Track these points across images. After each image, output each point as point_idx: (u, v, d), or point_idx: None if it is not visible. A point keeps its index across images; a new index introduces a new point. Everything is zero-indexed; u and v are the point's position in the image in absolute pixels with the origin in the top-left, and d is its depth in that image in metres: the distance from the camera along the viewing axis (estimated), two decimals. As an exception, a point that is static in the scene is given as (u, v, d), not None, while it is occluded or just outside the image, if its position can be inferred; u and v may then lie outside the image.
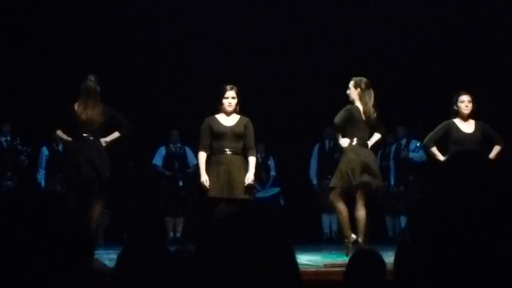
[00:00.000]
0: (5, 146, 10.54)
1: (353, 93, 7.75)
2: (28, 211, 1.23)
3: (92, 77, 7.65)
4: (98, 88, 7.59)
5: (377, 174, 7.67)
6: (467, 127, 7.74)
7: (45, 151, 10.74)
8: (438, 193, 1.36)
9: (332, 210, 11.23)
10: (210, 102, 9.83)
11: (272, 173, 11.65)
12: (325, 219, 11.43)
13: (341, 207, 7.70)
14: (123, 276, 2.57)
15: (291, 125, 11.82)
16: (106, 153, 7.50)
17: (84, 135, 7.34)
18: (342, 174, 7.58)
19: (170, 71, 11.88)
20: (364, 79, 7.82)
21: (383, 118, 11.36)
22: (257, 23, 11.97)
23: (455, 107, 7.81)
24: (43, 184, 10.68)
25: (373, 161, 7.76)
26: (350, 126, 7.64)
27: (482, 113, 11.29)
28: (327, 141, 11.44)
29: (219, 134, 7.11)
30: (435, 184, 1.43)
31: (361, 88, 7.73)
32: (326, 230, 11.43)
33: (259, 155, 11.24)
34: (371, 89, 7.78)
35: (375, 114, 7.71)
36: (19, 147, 10.44)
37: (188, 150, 10.96)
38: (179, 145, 11.08)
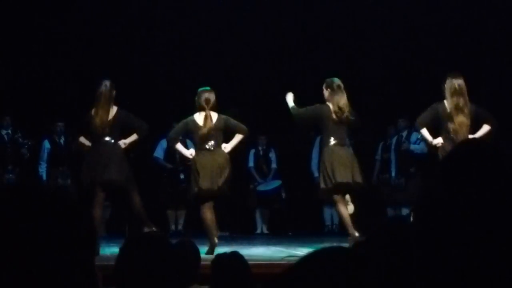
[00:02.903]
0: (6, 139, 10.55)
1: (324, 93, 7.92)
2: (30, 204, 1.23)
3: (106, 82, 7.90)
4: (113, 92, 7.85)
5: (355, 171, 7.74)
6: None
7: (46, 144, 10.74)
8: (442, 186, 1.35)
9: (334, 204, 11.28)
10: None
11: (274, 165, 11.66)
12: (327, 211, 11.44)
13: (340, 206, 7.78)
14: (125, 269, 2.57)
15: (292, 118, 11.81)
16: (124, 154, 7.84)
17: (104, 139, 7.67)
18: (323, 175, 7.75)
19: (171, 64, 11.87)
20: (336, 80, 7.94)
21: (385, 109, 11.40)
22: (259, 22, 11.95)
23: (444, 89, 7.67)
24: (44, 177, 10.69)
25: (349, 159, 7.80)
26: (320, 125, 7.88)
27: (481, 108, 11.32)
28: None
29: None
30: (440, 176, 1.40)
31: (331, 89, 7.88)
32: (328, 222, 11.45)
33: (260, 148, 11.26)
34: (343, 90, 7.89)
35: (348, 114, 7.76)
36: (20, 140, 10.44)
37: (189, 143, 10.96)
38: (180, 138, 11.06)
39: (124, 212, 10.80)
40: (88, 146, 7.85)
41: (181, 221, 11.15)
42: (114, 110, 7.80)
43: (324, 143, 7.90)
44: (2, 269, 1.16)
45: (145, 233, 7.49)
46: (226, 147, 7.74)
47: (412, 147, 10.67)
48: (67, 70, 11.63)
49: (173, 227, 11.15)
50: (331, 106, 7.83)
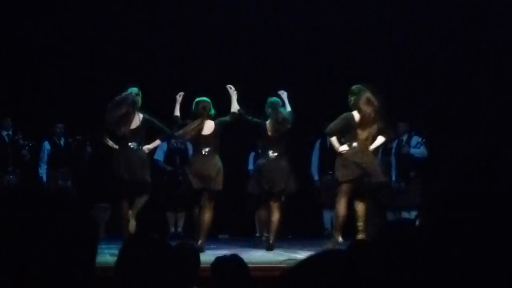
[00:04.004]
0: (7, 140, 10.54)
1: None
2: (31, 205, 1.24)
3: (134, 89, 8.46)
4: (138, 98, 8.39)
5: (282, 179, 8.60)
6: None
7: (46, 145, 10.73)
8: (452, 188, 1.35)
9: (333, 206, 11.27)
10: (212, 97, 9.86)
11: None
12: (326, 215, 11.42)
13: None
14: (124, 271, 2.58)
15: (292, 121, 11.80)
16: (148, 159, 8.56)
17: (129, 144, 8.25)
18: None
19: (171, 67, 11.87)
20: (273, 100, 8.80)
21: (385, 113, 11.38)
22: (258, 22, 11.96)
23: (352, 100, 8.15)
24: (44, 178, 10.68)
25: (278, 169, 8.63)
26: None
27: (483, 112, 11.32)
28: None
29: None
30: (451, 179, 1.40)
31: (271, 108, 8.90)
32: (327, 226, 11.43)
33: (260, 151, 11.24)
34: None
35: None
36: (21, 141, 10.44)
37: (189, 145, 10.95)
38: (180, 140, 11.08)
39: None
40: (115, 148, 8.39)
41: (180, 224, 11.15)
42: (140, 116, 8.33)
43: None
44: (3, 269, 1.17)
45: (144, 235, 7.51)
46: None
47: (412, 151, 10.67)
48: (68, 72, 11.63)
49: (172, 229, 11.14)
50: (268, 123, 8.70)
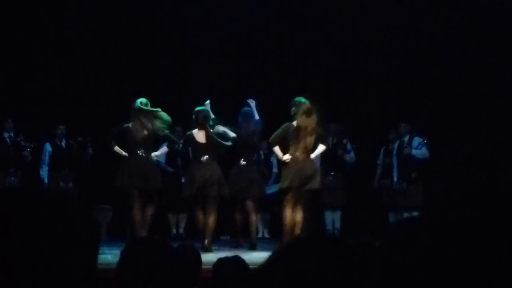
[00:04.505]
0: (9, 142, 10.54)
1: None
2: (32, 206, 1.24)
3: (142, 100, 8.81)
4: (148, 108, 8.75)
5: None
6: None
7: (48, 147, 10.73)
8: (458, 187, 1.35)
9: (335, 207, 11.28)
10: (212, 98, 9.87)
11: (275, 170, 11.64)
12: (328, 216, 11.42)
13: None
14: (126, 272, 2.58)
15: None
16: (157, 165, 9.07)
17: (138, 151, 8.70)
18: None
19: (172, 68, 11.88)
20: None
21: (387, 114, 11.39)
22: (258, 21, 11.96)
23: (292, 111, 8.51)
24: (46, 180, 10.68)
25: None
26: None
27: (484, 113, 11.32)
28: (330, 138, 11.41)
29: None
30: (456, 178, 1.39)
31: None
32: (329, 227, 11.43)
33: (261, 152, 11.25)
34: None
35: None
36: (22, 143, 10.44)
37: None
38: (181, 141, 11.08)
39: (126, 216, 10.81)
40: (124, 155, 8.82)
41: (182, 225, 11.15)
42: (149, 126, 8.73)
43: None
44: (5, 270, 1.17)
45: (146, 237, 7.57)
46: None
47: (414, 152, 10.66)
48: (69, 73, 11.64)
49: (174, 230, 11.14)
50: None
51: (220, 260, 3.95)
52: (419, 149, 10.61)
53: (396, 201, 10.74)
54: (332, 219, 11.40)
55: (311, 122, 8.43)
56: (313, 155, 8.62)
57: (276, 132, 8.58)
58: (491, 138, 10.68)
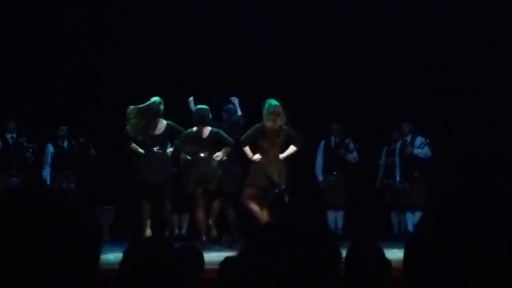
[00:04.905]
0: (11, 143, 10.56)
1: None
2: (34, 207, 1.23)
3: (156, 99, 9.19)
4: (161, 107, 9.15)
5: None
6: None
7: (50, 148, 10.75)
8: (458, 189, 1.34)
9: (337, 207, 11.27)
10: (215, 99, 9.87)
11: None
12: (331, 215, 11.41)
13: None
14: (128, 273, 2.57)
15: (296, 122, 11.80)
16: (171, 162, 9.33)
17: (153, 149, 9.08)
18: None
19: (176, 69, 11.88)
20: None
21: (390, 114, 11.39)
22: (259, 21, 11.95)
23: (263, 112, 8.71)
24: (48, 181, 10.69)
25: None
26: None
27: (486, 112, 11.31)
28: (332, 138, 11.42)
29: None
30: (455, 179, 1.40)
31: None
32: (332, 226, 11.42)
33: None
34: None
35: None
36: (25, 144, 10.46)
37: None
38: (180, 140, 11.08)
39: (128, 216, 10.82)
40: (140, 152, 9.22)
41: (184, 225, 11.14)
42: (163, 123, 9.18)
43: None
44: (7, 271, 1.16)
45: (148, 237, 7.58)
46: (219, 155, 8.99)
47: (416, 151, 10.66)
48: (71, 74, 11.65)
49: (176, 231, 11.13)
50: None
51: (227, 259, 3.94)
52: (421, 149, 10.61)
53: (399, 201, 10.75)
54: (335, 218, 11.39)
55: (278, 123, 8.70)
56: (282, 155, 8.89)
57: (247, 133, 8.86)
58: (494, 137, 10.67)
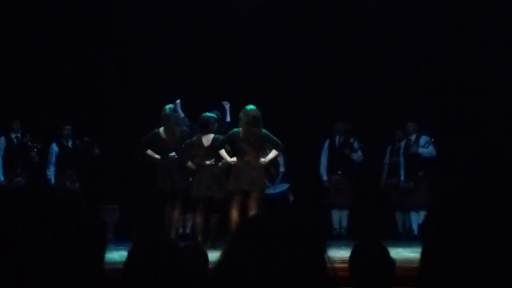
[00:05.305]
0: (16, 142, 10.58)
1: None
2: (39, 206, 1.23)
3: (170, 106, 9.42)
4: (176, 115, 9.43)
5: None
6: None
7: (54, 147, 10.76)
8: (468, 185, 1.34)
9: (342, 206, 11.26)
10: (220, 99, 9.88)
11: (282, 169, 11.64)
12: (335, 215, 11.41)
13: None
14: (133, 272, 2.57)
15: (300, 121, 11.82)
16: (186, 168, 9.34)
17: (170, 154, 9.32)
18: None
19: (179, 69, 11.88)
20: None
21: (394, 113, 11.39)
22: (261, 21, 11.96)
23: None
24: (52, 180, 10.71)
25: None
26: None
27: (491, 111, 11.29)
28: (337, 137, 11.42)
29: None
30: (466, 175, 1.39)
31: None
32: (336, 226, 11.42)
33: (268, 151, 11.26)
34: None
35: None
36: (29, 143, 10.48)
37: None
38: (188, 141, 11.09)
39: (132, 216, 10.83)
40: (156, 158, 9.43)
41: (188, 224, 11.14)
42: (177, 130, 9.39)
43: None
44: (12, 270, 1.16)
45: (153, 236, 7.58)
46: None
47: (421, 150, 10.65)
48: (76, 74, 11.66)
49: (180, 230, 11.13)
50: None
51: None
52: (426, 148, 10.60)
53: (403, 200, 10.74)
54: (339, 218, 11.39)
55: (255, 131, 8.81)
56: (264, 160, 9.01)
57: (223, 138, 9.02)
58: (498, 136, 10.65)
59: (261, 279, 1.30)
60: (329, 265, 1.38)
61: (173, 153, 9.37)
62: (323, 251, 1.38)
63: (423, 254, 1.33)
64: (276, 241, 1.34)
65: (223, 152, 9.00)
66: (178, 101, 9.63)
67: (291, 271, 1.31)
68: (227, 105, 9.87)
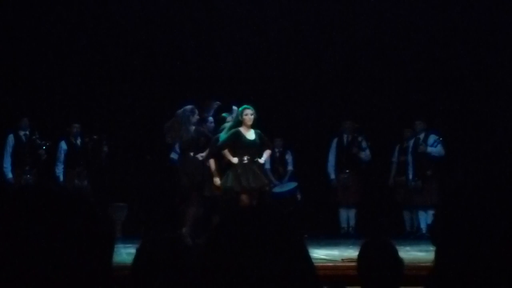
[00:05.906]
0: (24, 140, 10.60)
1: None
2: (48, 204, 1.24)
3: (187, 107, 9.41)
4: (191, 115, 9.42)
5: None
6: (250, 134, 8.82)
7: (63, 145, 10.78)
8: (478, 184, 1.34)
9: (350, 205, 11.26)
10: (223, 96, 9.88)
11: (290, 167, 11.65)
12: (343, 213, 11.40)
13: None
14: (141, 270, 2.58)
15: (308, 120, 11.81)
16: (203, 166, 9.38)
17: (188, 153, 9.41)
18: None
19: (190, 68, 11.89)
20: None
21: (402, 112, 11.36)
22: (268, 19, 11.95)
23: (240, 118, 8.80)
24: (61, 178, 10.73)
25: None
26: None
27: (499, 110, 11.26)
28: (345, 136, 11.40)
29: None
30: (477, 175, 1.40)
31: None
32: (344, 224, 11.41)
33: (276, 150, 11.26)
34: None
35: None
36: (38, 141, 10.49)
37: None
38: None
39: (140, 214, 10.85)
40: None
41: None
42: (193, 129, 9.40)
43: None
44: (20, 268, 1.17)
45: (161, 234, 7.60)
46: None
47: (429, 149, 10.63)
48: (84, 72, 11.68)
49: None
50: None
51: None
52: (434, 147, 10.58)
53: (411, 199, 10.72)
54: (347, 216, 11.38)
55: (250, 129, 8.86)
56: (261, 160, 9.03)
57: (225, 137, 9.00)
58: (507, 135, 10.62)
59: (240, 275, 1.31)
60: (310, 263, 1.38)
61: (190, 152, 9.41)
62: (303, 247, 1.38)
63: (435, 254, 1.33)
64: (256, 236, 1.35)
65: (226, 152, 8.96)
66: (234, 107, 9.51)
67: (271, 268, 1.31)
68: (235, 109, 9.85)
